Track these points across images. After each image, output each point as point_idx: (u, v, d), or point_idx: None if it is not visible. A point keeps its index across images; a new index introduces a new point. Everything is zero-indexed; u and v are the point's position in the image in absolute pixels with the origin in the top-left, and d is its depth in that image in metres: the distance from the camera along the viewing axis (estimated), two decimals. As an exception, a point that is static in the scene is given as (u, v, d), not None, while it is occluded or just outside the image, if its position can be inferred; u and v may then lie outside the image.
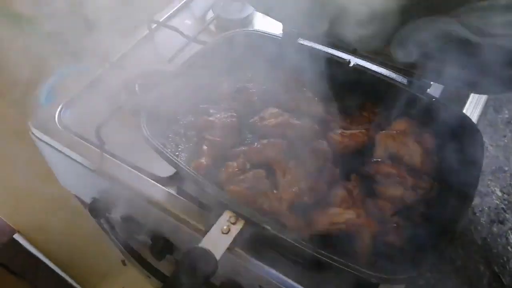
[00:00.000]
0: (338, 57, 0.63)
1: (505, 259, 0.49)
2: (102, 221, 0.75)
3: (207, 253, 0.44)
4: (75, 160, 0.68)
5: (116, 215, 0.74)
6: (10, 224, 0.97)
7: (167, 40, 0.84)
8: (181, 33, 0.81)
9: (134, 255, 0.76)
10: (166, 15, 0.89)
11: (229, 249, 0.46)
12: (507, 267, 0.48)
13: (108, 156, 0.66)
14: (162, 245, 0.67)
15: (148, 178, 0.63)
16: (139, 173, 0.64)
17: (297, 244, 0.43)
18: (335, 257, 0.42)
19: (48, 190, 0.88)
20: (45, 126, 0.70)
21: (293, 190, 0.51)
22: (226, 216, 0.47)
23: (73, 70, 1.24)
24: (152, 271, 0.74)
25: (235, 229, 0.46)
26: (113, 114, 0.67)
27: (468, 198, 0.46)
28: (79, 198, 0.91)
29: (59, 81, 1.23)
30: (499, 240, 0.51)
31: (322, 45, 0.65)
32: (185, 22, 0.89)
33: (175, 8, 0.91)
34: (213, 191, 0.48)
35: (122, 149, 0.67)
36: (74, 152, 0.67)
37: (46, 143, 0.70)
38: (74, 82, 0.76)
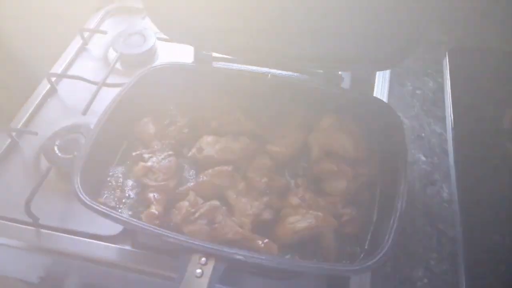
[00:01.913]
0: (254, 71, 0.65)
1: (444, 215, 0.56)
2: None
3: (188, 303, 0.43)
4: (9, 246, 0.61)
5: (71, 288, 0.69)
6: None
7: (74, 91, 0.79)
8: (88, 81, 0.77)
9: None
10: (64, 64, 0.84)
11: (207, 290, 0.45)
12: (448, 221, 0.55)
13: (45, 230, 0.61)
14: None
15: (97, 241, 0.60)
16: (85, 239, 0.60)
17: (272, 264, 0.44)
18: (310, 265, 0.44)
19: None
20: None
21: (251, 211, 0.52)
22: (196, 259, 0.46)
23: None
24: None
25: (208, 269, 0.46)
26: (39, 185, 0.62)
27: (403, 165, 0.52)
28: (24, 281, 0.83)
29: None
30: (434, 199, 0.57)
31: (237, 63, 0.66)
32: (87, 67, 0.84)
33: (72, 55, 0.86)
34: (175, 239, 0.47)
35: (59, 219, 0.62)
36: (4, 238, 0.61)
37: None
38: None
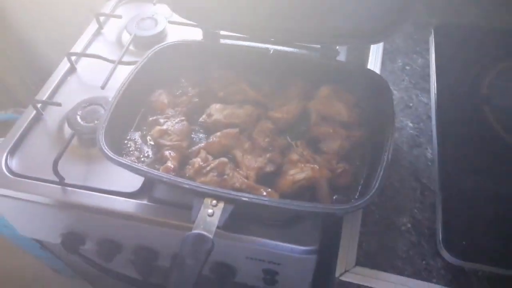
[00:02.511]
0: (258, 47, 0.71)
1: (428, 172, 0.62)
2: (75, 257, 0.77)
3: (202, 235, 0.50)
4: (38, 203, 0.68)
5: (90, 244, 0.75)
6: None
7: (92, 69, 0.86)
8: (105, 59, 0.84)
9: (118, 277, 0.79)
10: (82, 46, 0.91)
11: (217, 228, 0.52)
12: (430, 177, 0.61)
13: (70, 188, 0.68)
14: (146, 255, 0.71)
15: (117, 197, 0.67)
16: (106, 195, 0.67)
17: (277, 205, 0.51)
18: (305, 204, 0.51)
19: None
20: (-6, 180, 0.69)
21: (256, 165, 0.59)
22: (208, 202, 0.53)
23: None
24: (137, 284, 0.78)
25: (218, 209, 0.53)
26: (64, 149, 0.69)
27: (390, 128, 0.58)
28: (42, 243, 0.90)
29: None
30: (420, 159, 0.64)
31: (242, 40, 0.73)
32: (103, 49, 0.91)
33: (88, 38, 0.93)
34: (190, 185, 0.54)
35: (81, 178, 0.69)
36: (34, 195, 0.68)
37: (1, 196, 0.69)
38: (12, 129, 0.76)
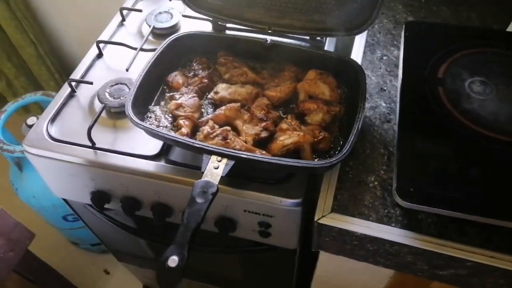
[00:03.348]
0: (258, 38, 0.85)
1: (394, 141, 0.76)
2: (103, 213, 0.92)
3: (209, 182, 0.64)
4: (73, 163, 0.83)
5: (114, 203, 0.90)
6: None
7: (117, 55, 1.01)
8: (129, 46, 0.99)
9: (136, 233, 0.94)
10: (108, 35, 1.05)
11: (221, 177, 0.66)
12: (395, 145, 0.75)
13: (100, 151, 0.82)
14: (162, 210, 0.85)
15: (139, 159, 0.81)
16: (131, 157, 0.81)
17: (269, 160, 0.65)
18: (294, 162, 0.65)
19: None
20: (37, 144, 0.84)
21: (253, 132, 0.73)
22: (214, 158, 0.67)
23: (22, 104, 1.35)
24: (157, 239, 0.93)
25: (222, 163, 0.67)
26: (96, 119, 0.83)
27: (362, 104, 0.72)
28: (72, 204, 1.05)
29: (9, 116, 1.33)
30: (389, 132, 0.77)
31: (245, 32, 0.87)
32: (125, 38, 1.06)
33: (113, 29, 1.07)
34: (200, 145, 0.68)
35: (110, 144, 0.83)
36: (70, 156, 0.82)
37: (42, 157, 0.84)
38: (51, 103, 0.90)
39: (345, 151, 0.66)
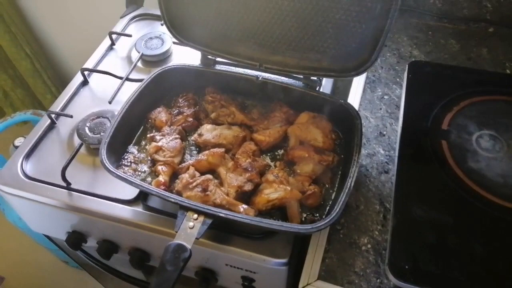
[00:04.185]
0: (248, 75, 0.79)
1: (392, 196, 0.69)
2: (79, 252, 0.86)
3: (181, 245, 0.58)
4: (46, 204, 0.77)
5: (92, 242, 0.84)
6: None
7: (102, 83, 0.95)
8: (114, 75, 0.93)
9: (115, 273, 0.88)
10: (96, 61, 1.00)
11: (196, 239, 0.60)
12: (392, 199, 0.68)
13: (76, 193, 0.77)
14: (140, 256, 0.80)
15: (116, 203, 0.75)
16: (107, 201, 0.76)
17: (249, 221, 0.59)
18: (273, 223, 0.58)
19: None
20: (11, 182, 0.79)
21: (236, 183, 0.67)
22: (190, 215, 0.61)
23: (10, 123, 1.30)
24: (134, 282, 0.87)
25: (199, 221, 0.61)
26: (72, 157, 0.78)
27: (356, 157, 0.65)
28: (51, 239, 0.99)
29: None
30: (386, 185, 0.71)
31: (235, 67, 0.81)
32: (114, 64, 1.01)
33: (101, 53, 1.02)
34: (175, 199, 0.62)
35: (86, 184, 0.78)
36: (43, 197, 0.77)
37: (16, 196, 0.79)
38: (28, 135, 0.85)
39: (334, 214, 0.59)
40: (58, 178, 0.77)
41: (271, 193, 0.66)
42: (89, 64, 0.99)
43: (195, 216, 0.61)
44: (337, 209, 0.60)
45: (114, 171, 0.66)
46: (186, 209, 0.62)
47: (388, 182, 0.71)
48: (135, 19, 1.12)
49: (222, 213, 0.61)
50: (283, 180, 0.67)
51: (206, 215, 0.61)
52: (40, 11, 1.50)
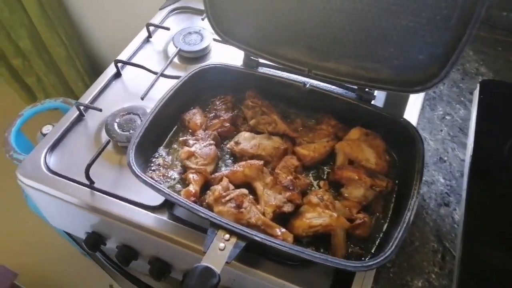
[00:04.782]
0: (294, 80, 0.71)
1: (453, 235, 0.59)
2: (97, 254, 0.81)
3: (210, 269, 0.51)
4: (67, 201, 0.72)
5: (111, 245, 0.79)
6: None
7: (136, 77, 0.90)
8: (149, 70, 0.87)
9: (132, 280, 0.82)
10: (130, 53, 0.94)
11: (226, 263, 0.53)
12: (455, 241, 0.59)
13: (98, 193, 0.71)
14: (161, 267, 0.73)
15: (139, 208, 0.69)
16: (130, 205, 0.70)
17: (288, 250, 0.51)
18: (316, 255, 0.50)
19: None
20: (32, 175, 0.74)
21: (274, 203, 0.59)
22: (220, 234, 0.54)
23: (40, 110, 1.27)
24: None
25: (230, 244, 0.53)
26: (98, 154, 0.72)
27: (417, 186, 0.56)
28: (71, 235, 0.95)
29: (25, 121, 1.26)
30: (446, 220, 0.62)
31: (280, 71, 0.73)
32: (149, 57, 0.95)
33: (137, 46, 0.97)
34: (205, 215, 0.55)
35: (110, 184, 0.72)
36: (64, 194, 0.72)
37: (36, 189, 0.74)
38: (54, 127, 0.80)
39: (389, 252, 0.50)
40: (82, 175, 0.71)
41: (314, 218, 0.58)
42: (123, 56, 0.93)
43: (227, 236, 0.54)
44: (392, 247, 0.51)
45: (141, 176, 0.60)
46: (218, 227, 0.55)
47: (448, 217, 0.62)
48: (174, 12, 1.06)
49: (258, 236, 0.53)
50: (328, 205, 0.59)
51: (240, 237, 0.54)
52: (77, -3, 1.48)
